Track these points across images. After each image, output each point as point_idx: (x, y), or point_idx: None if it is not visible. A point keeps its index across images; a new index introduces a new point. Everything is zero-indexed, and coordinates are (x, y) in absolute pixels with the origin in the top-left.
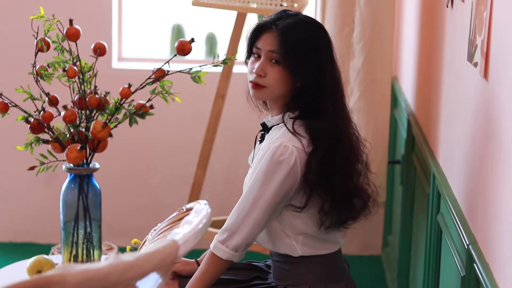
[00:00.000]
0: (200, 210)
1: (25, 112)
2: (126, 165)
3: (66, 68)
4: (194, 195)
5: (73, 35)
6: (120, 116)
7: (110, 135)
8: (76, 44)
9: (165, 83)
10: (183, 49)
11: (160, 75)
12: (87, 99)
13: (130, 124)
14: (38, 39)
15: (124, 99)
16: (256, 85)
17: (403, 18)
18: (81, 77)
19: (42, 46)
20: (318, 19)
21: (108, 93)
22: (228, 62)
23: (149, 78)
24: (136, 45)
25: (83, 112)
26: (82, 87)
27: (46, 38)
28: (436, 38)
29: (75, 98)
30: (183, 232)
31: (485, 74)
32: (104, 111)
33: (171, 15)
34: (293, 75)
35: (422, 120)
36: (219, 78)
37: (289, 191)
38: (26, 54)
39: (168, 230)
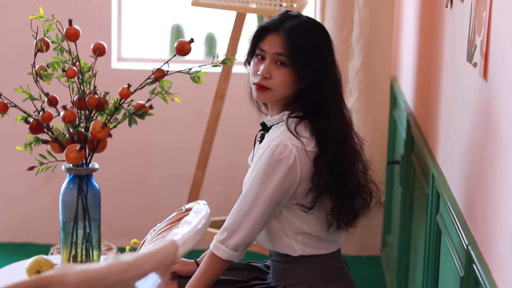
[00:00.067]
0: (199, 210)
1: (25, 112)
2: (126, 165)
3: (65, 68)
4: (193, 195)
5: (72, 35)
6: (119, 116)
7: (110, 135)
8: (76, 44)
9: (164, 83)
10: (183, 49)
11: (159, 75)
12: (86, 99)
13: (130, 124)
14: (37, 39)
15: (123, 99)
16: (261, 87)
17: (403, 19)
18: (80, 77)
19: (42, 46)
20: (318, 19)
21: (108, 93)
22: (228, 62)
23: (148, 78)
24: (135, 45)
25: (82, 112)
26: (82, 87)
27: (45, 38)
28: (436, 39)
29: (75, 98)
30: (182, 232)
31: (485, 74)
32: (103, 111)
33: (171, 15)
34: (299, 77)
35: (421, 120)
36: (219, 78)
37: (288, 189)
38: (26, 54)
39: (167, 231)
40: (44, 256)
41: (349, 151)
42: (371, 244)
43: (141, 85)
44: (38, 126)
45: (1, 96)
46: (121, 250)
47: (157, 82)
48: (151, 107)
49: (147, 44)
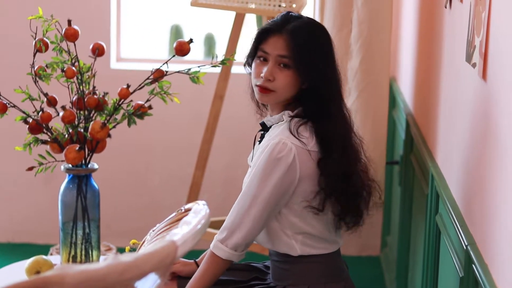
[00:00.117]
0: (199, 210)
1: (24, 112)
2: (125, 166)
3: (64, 69)
4: (193, 196)
5: (71, 36)
6: (118, 116)
7: (109, 136)
8: (75, 45)
9: (163, 84)
10: (182, 49)
11: (158, 75)
12: (85, 99)
13: (129, 124)
14: (36, 39)
15: (122, 100)
16: (264, 90)
17: (402, 19)
18: (79, 77)
19: (41, 47)
20: (317, 19)
21: (107, 93)
22: (227, 62)
23: (147, 78)
24: (134, 45)
25: (81, 112)
26: (81, 87)
27: (44, 38)
28: (435, 39)
29: (74, 99)
30: (181, 232)
31: (484, 75)
32: (102, 111)
33: (170, 15)
34: (302, 78)
35: (420, 120)
36: (218, 79)
37: (288, 188)
38: (25, 55)
39: (167, 231)
40: (44, 257)
41: (351, 150)
42: (371, 245)
43: (140, 85)
44: (37, 126)
45: (0, 97)
46: (121, 250)
47: (156, 83)
48: (150, 107)
49: (146, 45)
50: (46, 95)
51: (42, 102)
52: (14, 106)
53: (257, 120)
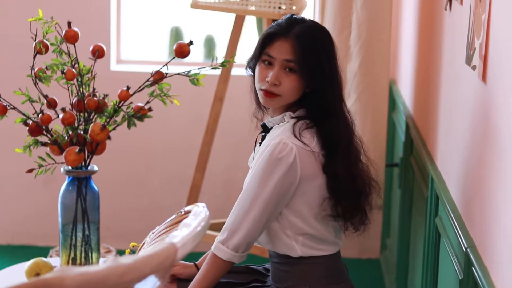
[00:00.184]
0: (199, 212)
1: (24, 114)
2: (125, 168)
3: (64, 71)
4: (193, 198)
5: (71, 38)
6: (118, 118)
7: (109, 138)
8: (75, 47)
9: (163, 86)
10: (182, 51)
11: (158, 77)
12: (85, 101)
13: (129, 126)
14: (36, 41)
15: (122, 102)
16: (270, 94)
17: (402, 21)
18: (79, 79)
19: (41, 49)
20: (317, 21)
21: (107, 95)
22: (227, 64)
23: (147, 80)
24: (134, 47)
25: (81, 114)
26: (81, 89)
27: (44, 40)
28: (435, 41)
29: (74, 101)
30: (181, 235)
31: (483, 77)
32: (102, 113)
33: (170, 17)
34: (307, 82)
35: (420, 123)
36: (218, 81)
37: (288, 188)
38: (25, 57)
39: (167, 233)
40: (43, 259)
41: (354, 151)
42: (371, 247)
43: (140, 87)
44: (37, 128)
45: (0, 98)
46: (120, 252)
47: (156, 85)
48: (150, 109)
49: (146, 47)
50: (46, 97)
51: (42, 104)
52: (14, 108)
53: (254, 123)
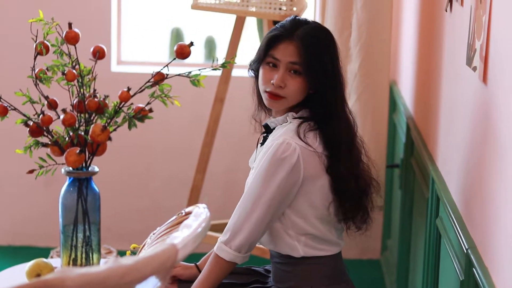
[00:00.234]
0: (199, 214)
1: (24, 115)
2: (125, 169)
3: (65, 72)
4: (193, 199)
5: (72, 39)
6: (119, 119)
7: (109, 139)
8: (75, 48)
9: (164, 87)
10: (182, 52)
11: (159, 78)
12: (86, 102)
13: (129, 127)
14: (37, 42)
15: (123, 103)
16: (275, 96)
17: (402, 22)
18: (80, 80)
19: (41, 50)
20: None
21: (107, 96)
22: (227, 65)
23: (148, 81)
24: (135, 48)
25: (82, 115)
26: (81, 90)
27: (45, 41)
28: (435, 42)
29: (74, 102)
30: (182, 236)
31: (484, 78)
32: (103, 114)
33: (170, 18)
34: (311, 84)
35: (421, 124)
36: (218, 82)
37: (291, 189)
38: (25, 58)
39: (167, 234)
40: (44, 259)
41: (355, 152)
42: (371, 248)
43: (140, 88)
44: (38, 129)
45: (1, 99)
46: (121, 253)
47: (157, 86)
48: (150, 110)
49: (147, 48)
50: (46, 98)
51: (43, 105)
52: (15, 109)
53: (254, 124)
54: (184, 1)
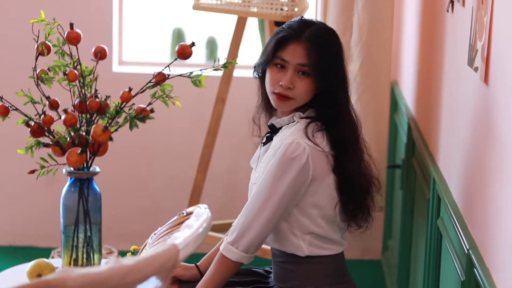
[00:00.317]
0: (201, 214)
1: (26, 115)
2: (127, 169)
3: (66, 72)
4: (194, 199)
5: (73, 39)
6: (120, 120)
7: (111, 139)
8: (77, 48)
9: (165, 87)
10: (184, 53)
11: (160, 79)
12: (87, 102)
13: (131, 128)
14: (38, 42)
15: (124, 103)
16: (283, 97)
17: (404, 23)
18: (81, 80)
19: (43, 50)
20: None
21: (109, 97)
22: (229, 66)
23: (149, 82)
24: (136, 49)
25: (83, 115)
26: (83, 90)
27: (46, 41)
28: (437, 43)
29: (76, 102)
30: (183, 236)
31: (486, 79)
32: (104, 114)
33: (172, 19)
34: (319, 85)
35: (422, 124)
36: (220, 82)
37: (300, 188)
38: (27, 58)
39: (169, 234)
40: (45, 260)
41: (359, 151)
42: (372, 248)
43: (142, 88)
44: (39, 129)
45: (2, 100)
46: (122, 253)
47: (158, 86)
48: (152, 110)
49: (148, 48)
50: (48, 98)
51: (44, 105)
52: (16, 109)
53: (252, 127)
54: (186, 2)
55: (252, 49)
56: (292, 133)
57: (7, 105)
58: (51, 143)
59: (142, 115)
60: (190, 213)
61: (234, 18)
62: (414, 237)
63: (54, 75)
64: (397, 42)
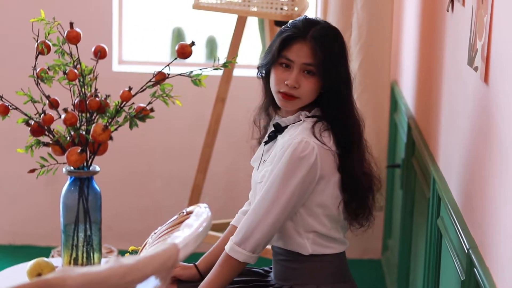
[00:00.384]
0: (200, 213)
1: (26, 114)
2: (127, 168)
3: (66, 71)
4: (194, 199)
5: (73, 38)
6: (120, 119)
7: (111, 138)
8: (77, 47)
9: (165, 86)
10: (184, 52)
11: (160, 78)
12: (87, 102)
13: (131, 127)
14: (38, 42)
15: (124, 102)
16: (289, 96)
17: (403, 22)
18: (81, 80)
19: (43, 49)
20: None
21: (109, 96)
22: (229, 65)
23: (149, 81)
24: (136, 48)
25: (83, 115)
26: (83, 90)
27: (46, 41)
28: (437, 42)
29: (76, 101)
30: (183, 235)
31: (486, 79)
32: (104, 114)
33: (172, 18)
34: (324, 84)
35: (422, 124)
36: (220, 82)
37: (308, 187)
38: (27, 57)
39: (168, 234)
40: (45, 259)
41: (362, 150)
42: (372, 248)
43: (142, 88)
44: (39, 128)
45: (2, 99)
46: (122, 252)
47: (158, 85)
48: (152, 110)
49: (148, 47)
50: (48, 97)
51: (44, 104)
52: (16, 108)
53: (253, 130)
54: (186, 1)
55: (252, 48)
56: (300, 133)
57: (7, 104)
58: (51, 142)
59: (142, 115)
60: (190, 213)
61: (234, 18)
62: (414, 236)
63: (54, 74)
64: (397, 42)
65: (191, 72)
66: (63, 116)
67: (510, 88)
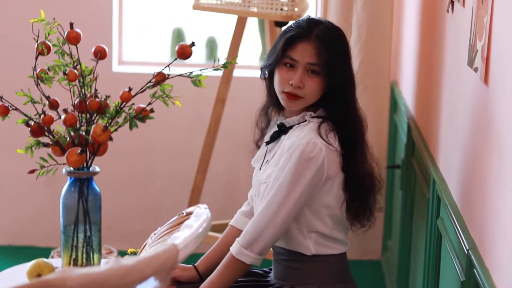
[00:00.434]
0: (200, 214)
1: (26, 115)
2: (126, 169)
3: (66, 72)
4: (194, 199)
5: (73, 39)
6: (120, 119)
7: (111, 139)
8: (77, 48)
9: (165, 87)
10: (184, 52)
11: (160, 78)
12: (87, 102)
13: (131, 127)
14: (38, 42)
15: (124, 103)
16: (293, 96)
17: (403, 23)
18: (81, 80)
19: (43, 50)
20: None
21: (109, 96)
22: (229, 66)
23: (149, 81)
24: (136, 48)
25: (83, 115)
26: (83, 90)
27: (46, 41)
28: (437, 43)
29: (76, 102)
30: (183, 236)
31: (486, 79)
32: (104, 114)
33: (172, 18)
34: (328, 83)
35: (422, 124)
36: (220, 82)
37: (315, 188)
38: (27, 58)
39: (168, 234)
40: (45, 260)
41: (365, 150)
42: (372, 248)
43: (142, 88)
44: (39, 129)
45: (2, 99)
46: (122, 253)
47: (158, 86)
48: (152, 110)
49: (148, 48)
50: (48, 98)
51: (44, 105)
52: (16, 108)
53: (254, 132)
54: (186, 2)
55: (252, 49)
56: (307, 133)
57: (7, 105)
58: (51, 143)
59: (142, 115)
60: (190, 213)
61: (234, 18)
62: (414, 237)
63: (54, 75)
64: (397, 42)
65: (191, 72)
66: (63, 116)
67: (510, 89)
